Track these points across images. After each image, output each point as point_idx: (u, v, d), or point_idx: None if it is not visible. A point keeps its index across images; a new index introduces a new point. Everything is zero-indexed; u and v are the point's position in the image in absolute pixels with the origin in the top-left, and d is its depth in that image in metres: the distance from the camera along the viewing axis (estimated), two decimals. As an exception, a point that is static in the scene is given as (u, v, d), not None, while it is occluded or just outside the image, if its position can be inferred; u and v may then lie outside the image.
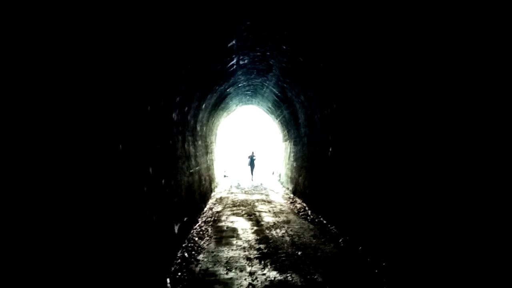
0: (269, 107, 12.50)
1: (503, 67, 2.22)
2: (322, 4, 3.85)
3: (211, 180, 10.70)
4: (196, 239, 5.42)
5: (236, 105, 13.01)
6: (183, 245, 4.98)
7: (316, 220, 6.83)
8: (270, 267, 4.17)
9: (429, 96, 3.14)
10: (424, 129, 3.25)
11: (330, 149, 6.79)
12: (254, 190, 12.10)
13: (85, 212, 2.12)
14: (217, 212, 7.87)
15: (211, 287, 3.60)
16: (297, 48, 5.53)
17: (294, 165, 11.13)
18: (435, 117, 3.06)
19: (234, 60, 6.60)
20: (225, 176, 17.27)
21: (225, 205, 8.85)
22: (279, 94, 9.59)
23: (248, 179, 16.12)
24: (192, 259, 4.48)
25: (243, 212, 7.78)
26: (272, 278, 3.83)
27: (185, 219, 5.55)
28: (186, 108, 6.32)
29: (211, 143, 11.73)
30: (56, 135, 1.84)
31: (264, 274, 3.95)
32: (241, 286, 3.64)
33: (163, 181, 4.33)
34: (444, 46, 2.81)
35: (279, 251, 4.81)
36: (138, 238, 3.10)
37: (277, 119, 13.19)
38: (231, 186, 13.19)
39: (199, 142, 8.83)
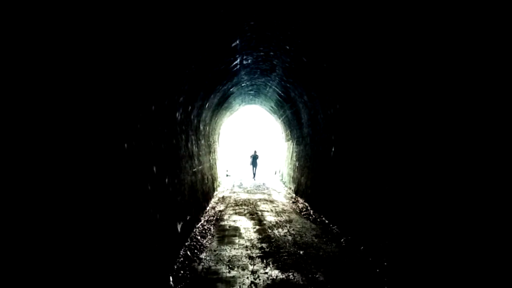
0: (272, 107, 12.52)
1: (502, 69, 2.23)
2: (326, 5, 3.86)
3: (213, 179, 10.74)
4: (199, 238, 5.46)
5: (239, 105, 13.04)
6: (186, 243, 5.02)
7: (318, 220, 6.84)
8: (272, 266, 4.20)
9: (432, 97, 3.15)
10: (427, 130, 3.26)
11: (333, 149, 6.80)
12: (256, 189, 12.13)
13: (91, 210, 2.16)
14: (220, 211, 7.91)
15: (214, 285, 3.63)
16: (301, 48, 5.55)
17: (297, 164, 11.15)
18: (437, 118, 3.07)
19: (238, 60, 6.62)
20: (227, 175, 17.31)
21: (228, 204, 8.88)
22: (282, 94, 9.61)
23: (250, 179, 16.15)
24: (195, 258, 4.51)
25: (246, 211, 7.81)
26: (274, 277, 3.86)
27: (188, 218, 5.59)
28: (190, 108, 6.36)
29: (214, 142, 11.77)
30: (66, 134, 1.88)
31: (266, 273, 3.98)
32: (243, 284, 3.67)
33: (166, 180, 4.37)
34: (446, 48, 2.82)
35: (281, 250, 4.83)
36: (142, 236, 3.14)
37: (280, 118, 13.21)
38: (233, 186, 13.23)
39: (202, 142, 8.87)
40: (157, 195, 3.84)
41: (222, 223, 6.63)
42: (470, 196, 2.58)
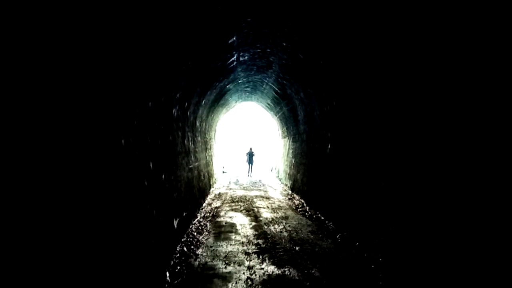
0: (269, 104, 12.53)
1: (501, 69, 2.26)
2: (323, 3, 3.87)
3: (210, 176, 10.75)
4: (195, 234, 5.48)
5: (236, 102, 13.03)
6: (182, 239, 5.04)
7: (314, 216, 6.90)
8: (268, 262, 4.24)
9: (427, 94, 3.18)
10: (422, 127, 3.30)
11: (329, 146, 6.84)
12: (252, 186, 12.17)
13: (89, 205, 2.16)
14: (216, 207, 7.93)
15: (210, 281, 3.66)
16: (298, 45, 5.55)
17: (293, 161, 11.19)
18: (432, 115, 3.11)
19: (235, 57, 6.61)
20: (224, 172, 17.32)
21: (224, 200, 8.91)
22: (278, 90, 9.61)
23: (246, 176, 16.18)
24: (191, 254, 4.54)
25: (242, 208, 7.84)
26: (270, 273, 3.90)
27: (184, 214, 5.60)
28: (186, 104, 6.34)
29: (210, 139, 11.76)
30: (63, 130, 1.88)
31: (262, 269, 4.01)
32: (239, 280, 3.70)
33: (163, 176, 4.37)
34: (443, 45, 2.85)
35: (277, 246, 4.87)
36: (139, 232, 3.15)
37: (276, 115, 13.22)
38: (229, 182, 13.25)
39: (199, 138, 8.86)
40: (154, 191, 3.84)
41: (219, 219, 6.65)
42: (463, 192, 2.63)
